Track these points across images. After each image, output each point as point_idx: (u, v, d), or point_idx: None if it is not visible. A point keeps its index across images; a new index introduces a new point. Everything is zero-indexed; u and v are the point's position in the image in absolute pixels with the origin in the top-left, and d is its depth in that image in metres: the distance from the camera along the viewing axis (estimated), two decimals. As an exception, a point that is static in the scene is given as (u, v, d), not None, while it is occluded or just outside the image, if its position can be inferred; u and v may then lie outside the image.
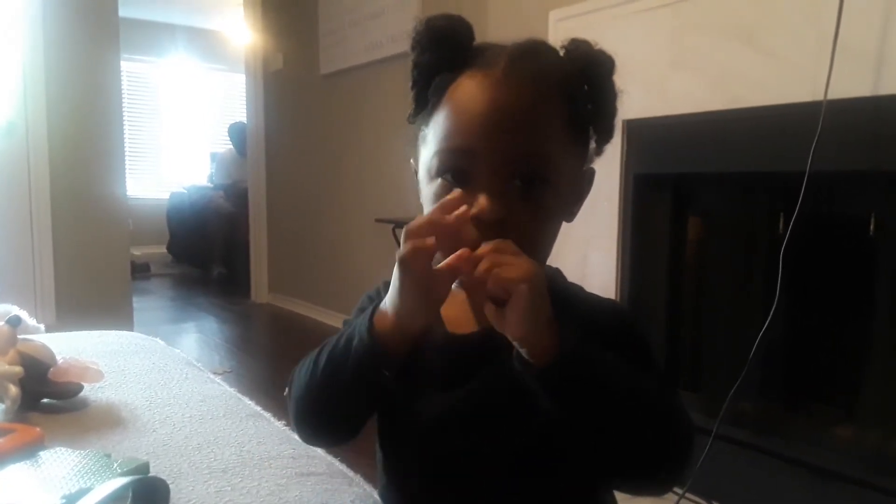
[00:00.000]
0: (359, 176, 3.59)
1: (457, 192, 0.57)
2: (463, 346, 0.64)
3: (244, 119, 4.98)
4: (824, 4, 1.35)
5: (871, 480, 1.39)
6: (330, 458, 0.82)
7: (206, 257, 5.74)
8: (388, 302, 0.57)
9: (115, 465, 0.64)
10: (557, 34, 1.72)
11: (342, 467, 0.80)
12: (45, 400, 0.89)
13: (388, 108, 3.26)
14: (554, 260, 0.66)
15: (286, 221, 4.43)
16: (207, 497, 0.66)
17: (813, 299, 1.63)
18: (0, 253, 2.95)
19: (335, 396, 0.62)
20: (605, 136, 0.65)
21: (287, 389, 0.67)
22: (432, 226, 0.53)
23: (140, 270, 5.48)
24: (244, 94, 4.74)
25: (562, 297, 0.55)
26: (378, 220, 3.00)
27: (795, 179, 1.39)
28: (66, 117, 3.01)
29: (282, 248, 4.49)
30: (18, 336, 0.90)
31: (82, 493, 0.54)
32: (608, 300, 0.70)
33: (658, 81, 1.70)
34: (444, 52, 0.62)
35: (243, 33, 4.66)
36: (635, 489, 0.61)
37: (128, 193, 3.35)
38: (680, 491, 1.51)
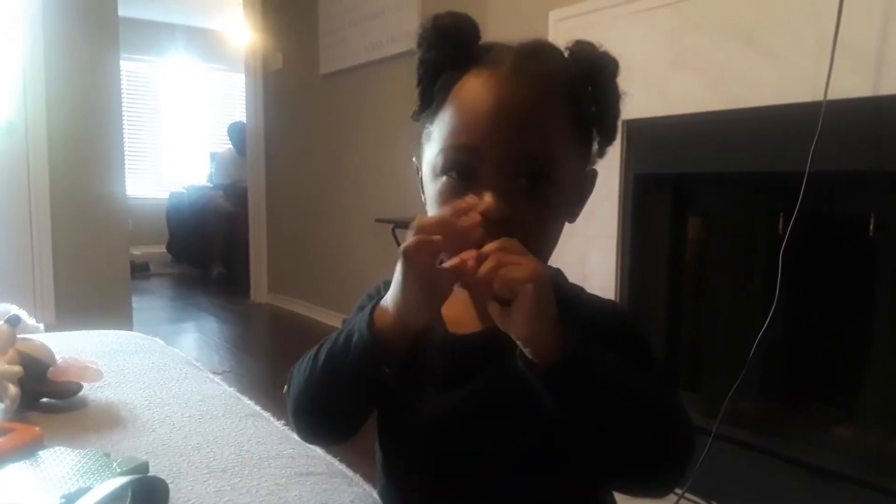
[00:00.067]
0: (359, 176, 3.59)
1: (472, 197, 0.57)
2: (465, 345, 0.64)
3: (244, 119, 4.98)
4: (824, 4, 1.35)
5: (871, 480, 1.39)
6: (329, 457, 0.82)
7: (205, 257, 5.74)
8: (390, 298, 0.57)
9: (115, 464, 0.64)
10: (557, 34, 1.72)
11: (342, 467, 0.80)
12: (44, 399, 0.89)
13: (387, 108, 3.26)
14: (554, 260, 0.66)
15: (286, 221, 4.43)
16: (207, 497, 0.66)
17: (813, 299, 1.63)
18: (0, 253, 2.95)
19: (334, 393, 0.61)
20: (607, 138, 0.65)
21: (286, 387, 0.67)
22: (442, 225, 0.53)
23: (139, 270, 5.48)
24: (244, 94, 4.74)
25: (564, 297, 0.55)
26: (378, 220, 3.00)
27: (795, 179, 1.39)
28: (66, 117, 3.01)
29: (281, 248, 4.49)
30: (18, 335, 0.90)
31: (82, 492, 0.54)
32: (608, 301, 0.70)
33: (658, 81, 1.70)
34: (449, 50, 0.62)
35: (243, 33, 4.66)
36: (636, 490, 0.61)
37: (127, 193, 3.35)
38: (680, 491, 1.51)
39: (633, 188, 1.82)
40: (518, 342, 0.53)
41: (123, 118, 3.37)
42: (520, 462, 0.62)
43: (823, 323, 1.64)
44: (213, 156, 6.31)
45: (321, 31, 3.79)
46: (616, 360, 0.57)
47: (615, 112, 0.64)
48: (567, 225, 0.65)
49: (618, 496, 0.68)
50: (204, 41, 6.68)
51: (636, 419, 0.55)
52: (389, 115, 3.24)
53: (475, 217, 0.54)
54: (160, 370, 1.08)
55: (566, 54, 0.63)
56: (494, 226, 0.55)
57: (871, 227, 1.49)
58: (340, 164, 3.77)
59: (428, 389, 0.64)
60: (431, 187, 0.63)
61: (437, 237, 0.53)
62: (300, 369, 0.65)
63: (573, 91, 0.61)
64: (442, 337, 0.64)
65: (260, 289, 4.64)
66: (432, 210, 0.63)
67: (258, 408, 0.97)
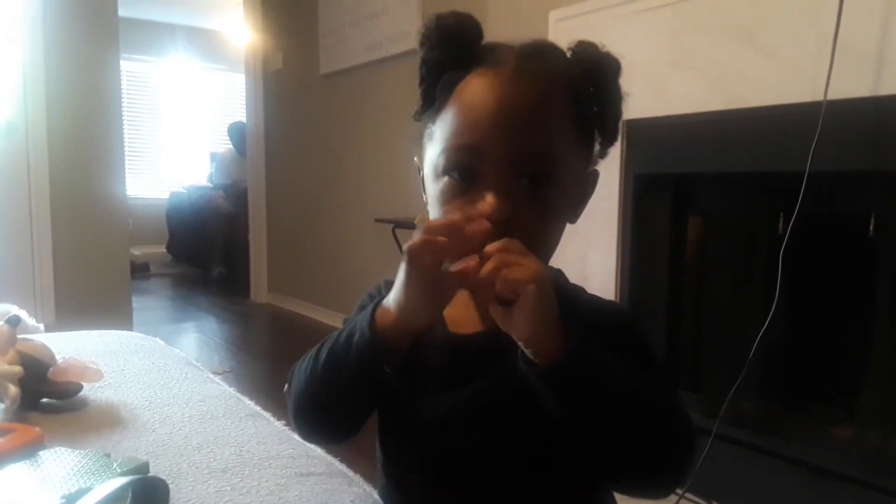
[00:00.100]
0: (359, 176, 3.59)
1: (483, 204, 0.56)
2: (466, 346, 0.64)
3: (244, 119, 4.98)
4: (824, 4, 1.35)
5: (871, 480, 1.39)
6: (330, 458, 0.82)
7: (205, 257, 5.74)
8: (392, 297, 0.57)
9: (115, 464, 0.64)
10: (557, 34, 1.72)
11: (342, 467, 0.80)
12: (44, 399, 0.89)
13: (388, 108, 3.26)
14: (554, 260, 0.66)
15: (286, 221, 4.43)
16: (207, 497, 0.66)
17: (813, 299, 1.63)
18: (0, 253, 2.95)
19: (335, 392, 0.61)
20: (609, 139, 0.65)
21: (287, 385, 0.67)
22: (449, 228, 0.53)
23: (140, 270, 5.48)
24: (244, 94, 4.74)
25: (565, 298, 0.55)
26: (378, 220, 3.00)
27: (795, 179, 1.39)
28: (66, 117, 3.01)
29: (281, 248, 4.49)
30: (18, 336, 0.90)
31: (82, 492, 0.54)
32: (609, 301, 0.70)
33: (658, 81, 1.70)
34: (452, 50, 0.62)
35: (243, 33, 4.66)
36: (638, 491, 0.61)
37: (127, 193, 3.35)
38: (680, 491, 1.51)
39: (633, 188, 1.82)
40: (519, 343, 0.53)
41: (123, 118, 3.37)
42: (520, 462, 0.62)
43: (823, 323, 1.64)
44: (214, 156, 6.31)
45: (321, 31, 3.79)
46: (616, 360, 0.57)
47: (617, 113, 0.64)
48: (567, 225, 0.65)
49: (618, 496, 0.68)
50: (204, 41, 6.68)
51: (636, 419, 0.55)
52: (389, 115, 3.24)
53: (484, 224, 0.54)
54: (160, 370, 1.08)
55: (568, 55, 0.63)
56: (496, 226, 0.55)
57: (871, 227, 1.49)
58: (340, 164, 3.77)
59: (429, 389, 0.64)
60: (433, 187, 0.63)
61: (443, 239, 0.53)
62: (301, 368, 0.65)
63: (575, 91, 0.61)
64: (443, 337, 0.64)
65: (260, 289, 4.64)
66: (434, 210, 0.63)
67: (258, 408, 0.97)
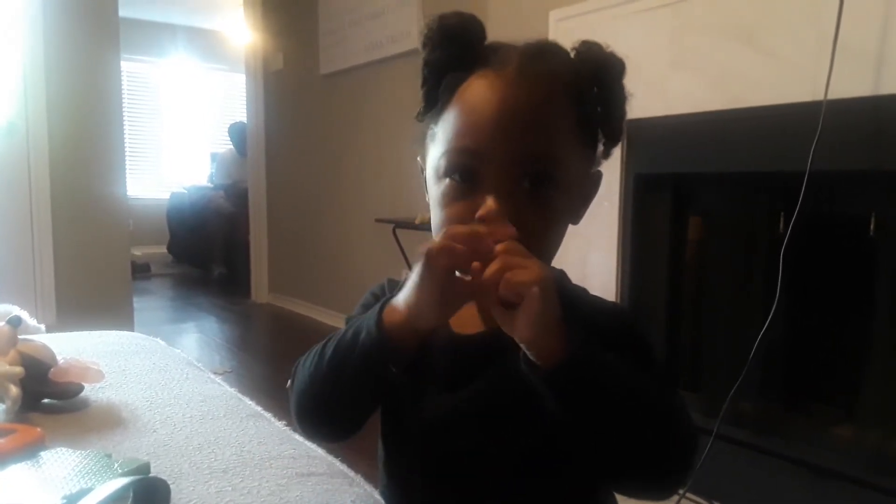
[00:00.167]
0: (359, 176, 3.59)
1: (490, 204, 0.56)
2: (468, 346, 0.64)
3: (244, 119, 4.98)
4: (824, 4, 1.35)
5: (871, 480, 1.39)
6: (331, 458, 0.82)
7: (206, 257, 5.75)
8: (402, 296, 0.57)
9: (116, 465, 0.64)
10: (557, 34, 1.73)
11: (343, 467, 0.80)
12: (45, 400, 0.89)
13: (388, 108, 3.26)
14: (555, 260, 0.66)
15: (286, 221, 4.43)
16: (208, 497, 0.66)
17: (813, 299, 1.63)
18: (0, 253, 2.95)
19: (339, 389, 0.61)
20: (613, 139, 0.65)
21: (290, 382, 0.67)
22: (471, 238, 0.53)
23: (140, 270, 5.48)
24: (244, 94, 4.74)
25: (567, 299, 0.55)
26: (378, 220, 3.00)
27: (795, 179, 1.39)
28: (67, 117, 3.01)
29: (282, 248, 4.49)
30: (19, 336, 0.90)
31: (83, 493, 0.54)
32: (610, 302, 0.70)
33: (658, 81, 1.70)
34: (455, 51, 0.62)
35: (243, 33, 4.66)
36: (639, 492, 0.61)
37: (128, 193, 3.35)
38: (680, 491, 1.51)
39: (633, 188, 1.82)
40: (521, 345, 0.53)
41: (124, 118, 3.37)
42: (522, 463, 0.62)
43: (823, 323, 1.64)
44: (214, 156, 6.31)
45: (321, 31, 3.79)
46: (617, 361, 0.57)
47: (621, 113, 0.63)
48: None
49: (619, 497, 0.68)
50: (204, 41, 6.68)
51: (637, 419, 0.55)
52: (389, 115, 3.24)
53: (508, 242, 0.53)
54: (161, 371, 1.08)
55: (572, 55, 0.63)
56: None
57: (872, 227, 1.49)
58: (340, 164, 3.77)
59: (430, 389, 0.64)
60: (435, 189, 0.63)
61: (460, 247, 0.53)
62: (305, 365, 0.65)
63: (578, 92, 0.61)
64: (445, 337, 0.64)
65: (260, 289, 4.64)
66: (435, 211, 0.63)
67: (259, 408, 0.97)
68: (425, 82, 0.64)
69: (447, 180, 0.61)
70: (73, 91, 3.02)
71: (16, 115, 2.91)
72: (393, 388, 0.61)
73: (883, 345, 1.51)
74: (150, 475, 0.65)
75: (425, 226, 0.84)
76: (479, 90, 0.60)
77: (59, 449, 0.67)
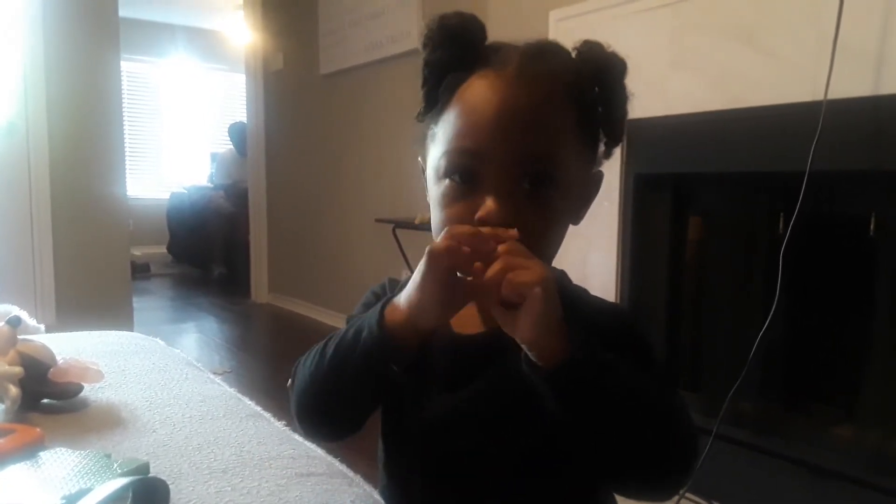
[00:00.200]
0: (359, 176, 3.59)
1: (489, 205, 0.56)
2: (468, 346, 0.64)
3: (244, 119, 4.98)
4: (824, 4, 1.35)
5: (871, 480, 1.39)
6: (330, 458, 0.82)
7: (206, 257, 5.75)
8: (404, 295, 0.57)
9: (116, 465, 0.63)
10: (557, 34, 1.72)
11: (342, 468, 0.80)
12: (45, 400, 0.89)
13: (388, 108, 3.26)
14: (555, 260, 0.66)
15: (286, 221, 4.43)
16: (207, 497, 0.66)
17: (813, 299, 1.63)
18: (0, 253, 2.95)
19: (340, 388, 0.61)
20: (614, 139, 0.65)
21: (290, 381, 0.67)
22: (475, 239, 0.53)
23: (140, 270, 5.49)
24: (244, 94, 4.74)
25: (568, 299, 0.55)
26: (378, 220, 3.00)
27: (795, 179, 1.39)
28: (67, 117, 3.01)
29: (282, 248, 4.49)
30: (18, 336, 0.90)
31: (82, 493, 0.54)
32: (610, 303, 0.70)
33: (658, 81, 1.70)
34: (455, 51, 0.61)
35: (243, 33, 4.66)
36: (641, 492, 0.61)
37: (128, 193, 3.35)
38: (680, 491, 1.51)
39: (633, 188, 1.82)
40: (523, 345, 0.53)
41: (124, 119, 3.37)
42: (522, 463, 0.62)
43: (823, 323, 1.64)
44: (214, 156, 6.31)
45: (321, 31, 3.79)
46: (618, 361, 0.57)
47: (622, 113, 0.63)
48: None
49: (619, 497, 0.68)
50: (204, 41, 6.68)
51: (637, 420, 0.55)
52: (389, 115, 3.24)
53: (509, 242, 0.53)
54: (161, 371, 1.08)
55: (574, 54, 0.63)
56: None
57: (872, 227, 1.49)
58: (340, 164, 3.77)
59: (431, 389, 0.64)
60: (435, 189, 0.62)
61: (466, 249, 0.53)
62: (305, 364, 0.65)
63: (579, 92, 0.61)
64: (446, 337, 0.64)
65: (260, 289, 4.64)
66: (435, 212, 0.63)
67: (259, 408, 0.97)
68: (426, 82, 0.64)
69: (447, 181, 0.61)
70: (73, 91, 3.02)
71: (16, 115, 2.91)
72: (394, 387, 0.61)
73: (883, 345, 1.51)
74: (150, 475, 0.65)
75: (425, 226, 0.84)
76: (479, 90, 0.60)
77: (58, 449, 0.66)
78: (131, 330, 1.53)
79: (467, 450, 0.63)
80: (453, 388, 0.63)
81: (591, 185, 0.67)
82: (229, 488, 0.68)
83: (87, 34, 3.06)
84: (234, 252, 5.18)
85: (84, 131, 3.08)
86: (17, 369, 0.84)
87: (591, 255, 1.89)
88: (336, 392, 0.62)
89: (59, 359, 0.91)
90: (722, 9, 1.60)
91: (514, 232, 0.54)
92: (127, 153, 3.42)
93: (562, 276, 0.69)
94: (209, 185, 6.14)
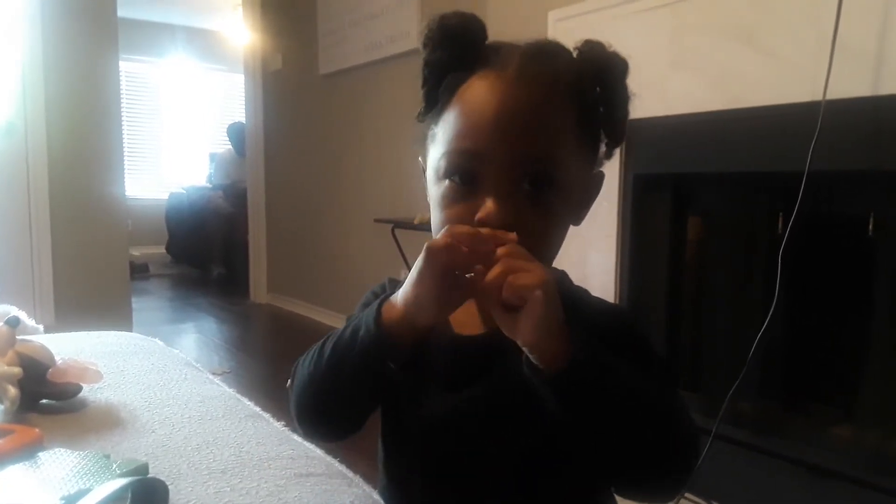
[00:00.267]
0: (358, 176, 3.59)
1: (489, 207, 0.56)
2: (469, 347, 0.64)
3: (243, 119, 4.98)
4: (824, 4, 1.35)
5: (871, 480, 1.39)
6: (329, 458, 0.81)
7: (205, 258, 5.74)
8: (401, 293, 0.57)
9: (115, 465, 0.63)
10: (557, 34, 1.72)
11: (341, 468, 0.80)
12: (43, 401, 0.89)
13: (387, 108, 3.26)
14: (554, 261, 0.65)
15: (285, 221, 4.43)
16: (207, 498, 0.66)
17: (812, 299, 1.63)
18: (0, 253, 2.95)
19: (339, 387, 0.61)
20: (615, 140, 0.64)
21: (290, 381, 0.67)
22: (475, 239, 0.53)
23: (139, 271, 5.48)
24: (243, 95, 4.74)
25: (569, 300, 0.55)
26: (377, 220, 3.00)
27: (795, 179, 1.39)
28: (65, 117, 3.00)
29: (281, 249, 4.49)
30: (17, 337, 0.90)
31: (81, 493, 0.54)
32: (611, 304, 0.70)
33: (658, 81, 1.70)
34: (455, 51, 0.61)
35: (242, 33, 4.66)
36: (642, 493, 0.61)
37: (127, 194, 3.35)
38: (681, 491, 1.51)
39: (632, 188, 1.82)
40: (524, 348, 0.53)
41: (123, 119, 3.37)
42: (521, 463, 0.62)
43: (823, 323, 1.64)
44: (213, 156, 6.31)
45: (321, 32, 3.79)
46: (619, 362, 0.56)
47: (623, 113, 0.63)
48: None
49: (619, 497, 0.68)
50: (203, 42, 6.68)
51: (637, 420, 0.55)
52: (389, 115, 3.24)
53: (510, 245, 0.53)
54: (160, 371, 1.08)
55: (575, 54, 0.62)
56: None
57: (871, 227, 1.49)
58: (340, 164, 3.77)
59: (431, 389, 0.64)
60: (435, 190, 0.62)
61: (465, 248, 0.53)
62: (304, 363, 0.65)
63: (580, 92, 0.60)
64: (446, 337, 0.64)
65: (259, 289, 4.63)
66: (435, 212, 0.62)
67: (258, 409, 0.96)
68: (426, 82, 0.63)
69: (447, 181, 0.60)
70: (71, 91, 3.02)
71: (14, 115, 2.91)
72: (392, 386, 0.61)
73: (882, 345, 1.51)
74: (149, 476, 0.65)
75: (424, 226, 0.84)
76: (479, 91, 0.59)
77: (57, 449, 0.66)
78: (130, 330, 1.53)
79: (467, 450, 0.63)
80: (453, 388, 0.63)
81: (592, 186, 0.66)
82: (228, 489, 0.68)
83: (85, 34, 3.06)
84: (233, 252, 5.18)
85: (83, 131, 3.08)
86: (16, 370, 0.83)
87: (591, 255, 1.89)
88: (334, 391, 0.62)
89: (58, 359, 0.91)
90: (722, 9, 1.60)
91: (513, 235, 0.54)
92: (126, 153, 3.42)
93: (563, 277, 0.69)
94: (208, 185, 6.14)
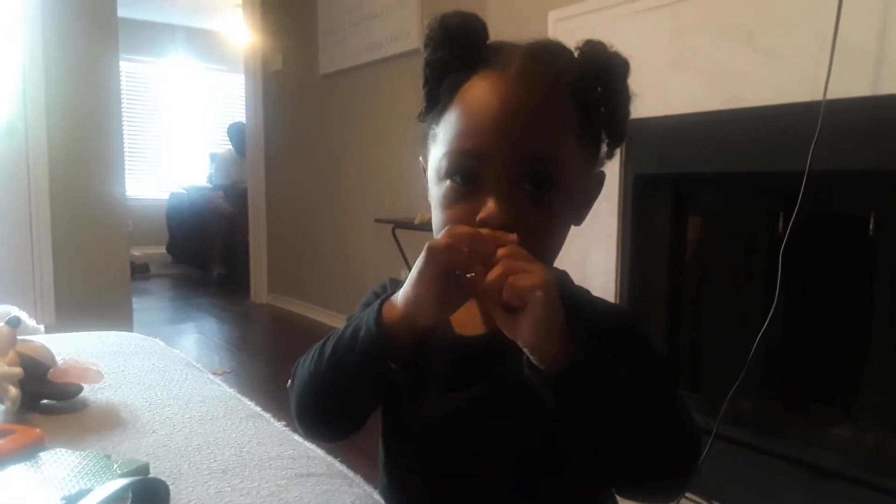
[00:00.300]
0: (358, 176, 3.59)
1: (490, 207, 0.56)
2: (469, 347, 0.64)
3: (243, 119, 4.98)
4: (824, 4, 1.35)
5: (871, 480, 1.39)
6: (330, 458, 0.82)
7: (205, 258, 5.74)
8: (402, 292, 0.57)
9: (115, 466, 0.63)
10: (557, 34, 1.72)
11: (342, 468, 0.80)
12: (44, 401, 0.89)
13: (387, 108, 3.26)
14: (555, 260, 0.66)
15: (285, 222, 4.43)
16: (207, 498, 0.66)
17: (812, 299, 1.63)
18: (0, 253, 2.95)
19: (339, 387, 0.61)
20: (616, 140, 0.64)
21: (290, 381, 0.67)
22: (475, 240, 0.53)
23: (139, 271, 5.48)
24: (244, 95, 4.74)
25: (570, 301, 0.55)
26: (378, 221, 3.00)
27: (795, 179, 1.39)
28: (66, 118, 3.01)
29: (281, 249, 4.49)
30: (18, 337, 0.90)
31: (82, 494, 0.54)
32: (611, 303, 0.70)
33: (658, 81, 1.69)
34: (456, 51, 0.61)
35: (242, 33, 4.66)
36: (643, 494, 0.61)
37: (127, 194, 3.35)
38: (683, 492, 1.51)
39: (633, 188, 1.82)
40: (524, 349, 0.53)
41: (123, 119, 3.37)
42: (522, 463, 0.62)
43: (823, 323, 1.64)
44: (213, 156, 6.31)
45: (321, 32, 3.79)
46: (619, 362, 0.56)
47: (625, 113, 0.63)
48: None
49: (619, 497, 0.68)
50: (203, 42, 6.68)
51: (638, 420, 0.55)
52: (389, 115, 3.24)
53: (510, 246, 0.53)
54: (160, 371, 1.08)
55: (576, 54, 0.62)
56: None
57: (871, 227, 1.49)
58: (340, 165, 3.77)
59: (431, 389, 0.64)
60: (435, 190, 0.62)
61: (465, 249, 0.53)
62: (304, 363, 0.65)
63: (581, 92, 0.60)
64: (447, 337, 0.64)
65: (260, 289, 4.63)
66: (436, 212, 0.63)
67: (259, 409, 0.96)
68: (427, 82, 0.63)
69: (448, 182, 0.60)
70: (72, 91, 3.02)
71: (15, 115, 2.91)
72: (392, 386, 0.61)
73: (882, 345, 1.51)
74: (150, 476, 0.65)
75: (425, 226, 0.84)
76: (480, 91, 0.59)
77: (58, 450, 0.66)
78: (131, 330, 1.53)
79: (468, 450, 0.63)
80: (454, 388, 0.63)
81: (593, 186, 0.66)
82: (229, 489, 0.68)
83: (86, 34, 3.06)
84: (234, 252, 5.18)
85: (83, 131, 3.08)
86: (17, 370, 0.83)
87: (591, 255, 1.89)
88: (335, 391, 0.62)
89: (59, 359, 0.91)
90: (722, 9, 1.60)
91: (513, 236, 0.54)
92: (126, 153, 3.42)
93: (563, 278, 0.69)
94: (208, 185, 6.14)
